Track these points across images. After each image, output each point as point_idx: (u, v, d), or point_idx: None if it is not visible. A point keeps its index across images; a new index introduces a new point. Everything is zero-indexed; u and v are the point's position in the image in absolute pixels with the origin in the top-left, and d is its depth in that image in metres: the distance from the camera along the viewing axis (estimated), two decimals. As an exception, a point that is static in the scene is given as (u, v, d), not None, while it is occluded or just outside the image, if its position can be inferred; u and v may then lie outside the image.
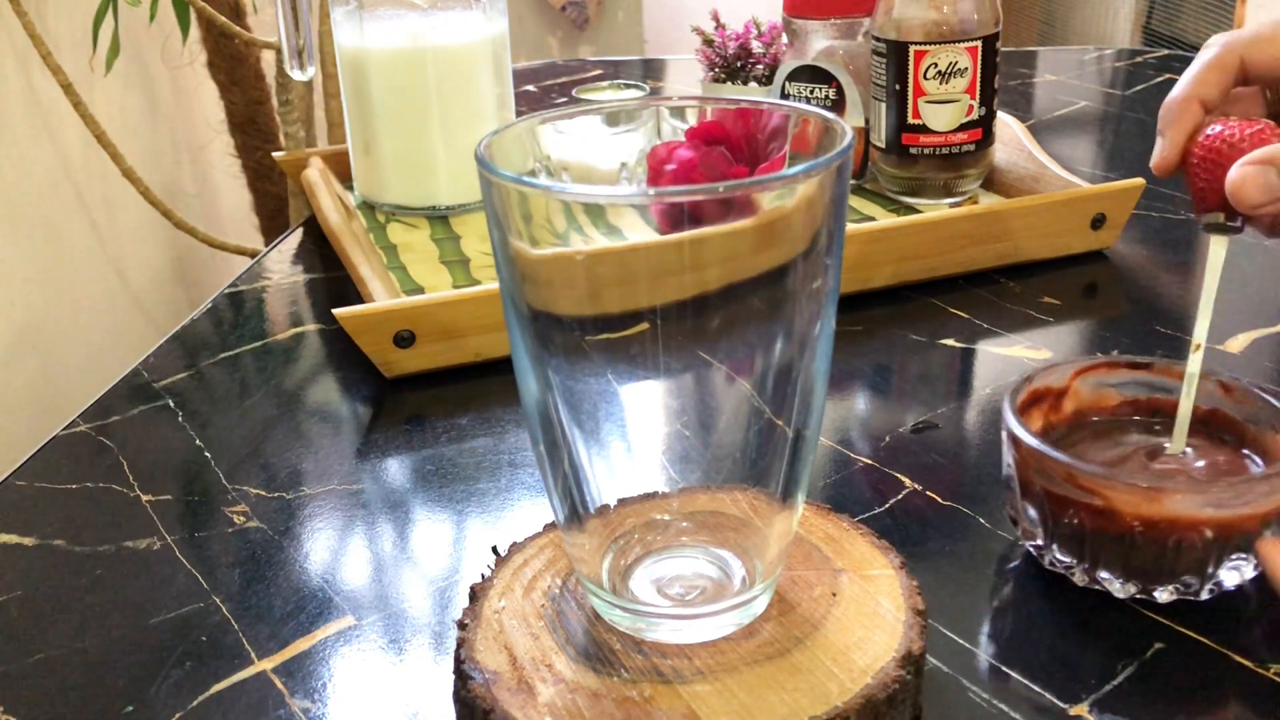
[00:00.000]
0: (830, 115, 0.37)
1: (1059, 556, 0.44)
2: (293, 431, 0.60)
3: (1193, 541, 0.41)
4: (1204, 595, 0.43)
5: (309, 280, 0.80)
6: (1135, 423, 0.48)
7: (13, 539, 0.51)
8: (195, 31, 1.64)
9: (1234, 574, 0.42)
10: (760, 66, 1.06)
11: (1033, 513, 0.44)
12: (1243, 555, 0.42)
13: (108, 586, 0.48)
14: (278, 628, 0.45)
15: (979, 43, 0.75)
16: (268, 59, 1.73)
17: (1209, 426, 0.47)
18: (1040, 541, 0.44)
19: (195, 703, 0.41)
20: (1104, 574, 0.43)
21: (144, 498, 0.54)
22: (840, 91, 0.81)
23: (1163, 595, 0.43)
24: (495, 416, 0.60)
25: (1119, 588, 0.43)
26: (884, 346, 0.66)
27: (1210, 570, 0.42)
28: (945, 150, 0.78)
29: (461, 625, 0.39)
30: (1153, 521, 0.41)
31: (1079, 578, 0.44)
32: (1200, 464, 0.45)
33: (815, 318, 0.35)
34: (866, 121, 0.81)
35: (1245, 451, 0.46)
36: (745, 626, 0.39)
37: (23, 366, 1.38)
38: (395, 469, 0.56)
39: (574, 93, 1.23)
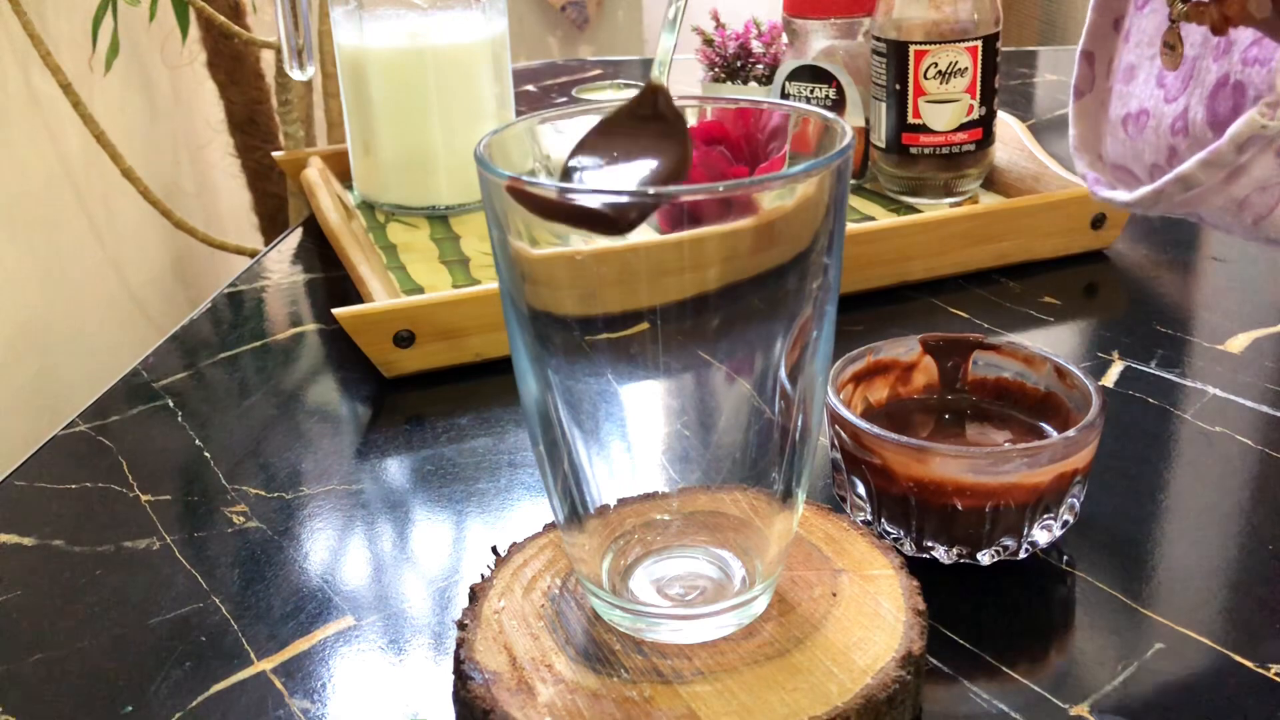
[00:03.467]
0: (830, 115, 0.37)
1: (887, 528, 0.46)
2: (292, 431, 0.60)
3: (1007, 506, 0.43)
4: (1021, 555, 0.45)
5: (308, 280, 0.80)
6: (974, 402, 0.51)
7: (12, 539, 0.51)
8: (195, 31, 1.64)
9: (1044, 533, 0.45)
10: (760, 66, 1.06)
11: (860, 487, 0.46)
12: (1050, 516, 0.44)
13: (107, 586, 0.48)
14: (277, 628, 0.45)
15: (979, 42, 0.75)
16: (267, 59, 1.73)
17: (1042, 410, 0.49)
18: (869, 516, 0.47)
19: (195, 703, 0.41)
20: (929, 542, 0.45)
21: (143, 498, 0.54)
22: (840, 91, 0.81)
23: (984, 558, 0.45)
24: (495, 416, 0.60)
25: (944, 554, 0.45)
26: (884, 346, 0.66)
27: (1026, 531, 0.44)
28: (945, 150, 0.78)
29: (461, 625, 0.39)
30: (923, 483, 0.43)
31: (908, 547, 0.46)
32: (1007, 439, 0.49)
33: (815, 318, 0.35)
34: (866, 121, 0.81)
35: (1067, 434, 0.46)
36: (745, 627, 0.39)
37: (22, 366, 1.37)
38: (395, 469, 0.56)
39: (574, 93, 1.23)
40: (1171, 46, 0.41)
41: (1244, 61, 0.41)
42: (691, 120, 0.41)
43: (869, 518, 0.47)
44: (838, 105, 0.82)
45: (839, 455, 0.47)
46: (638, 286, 0.34)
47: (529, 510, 0.52)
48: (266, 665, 0.43)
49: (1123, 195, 0.44)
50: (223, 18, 1.54)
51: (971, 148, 0.78)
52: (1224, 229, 0.43)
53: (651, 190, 0.36)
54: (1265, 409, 0.57)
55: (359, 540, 0.51)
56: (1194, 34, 0.43)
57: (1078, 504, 0.46)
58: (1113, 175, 0.48)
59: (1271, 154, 0.38)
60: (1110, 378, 0.60)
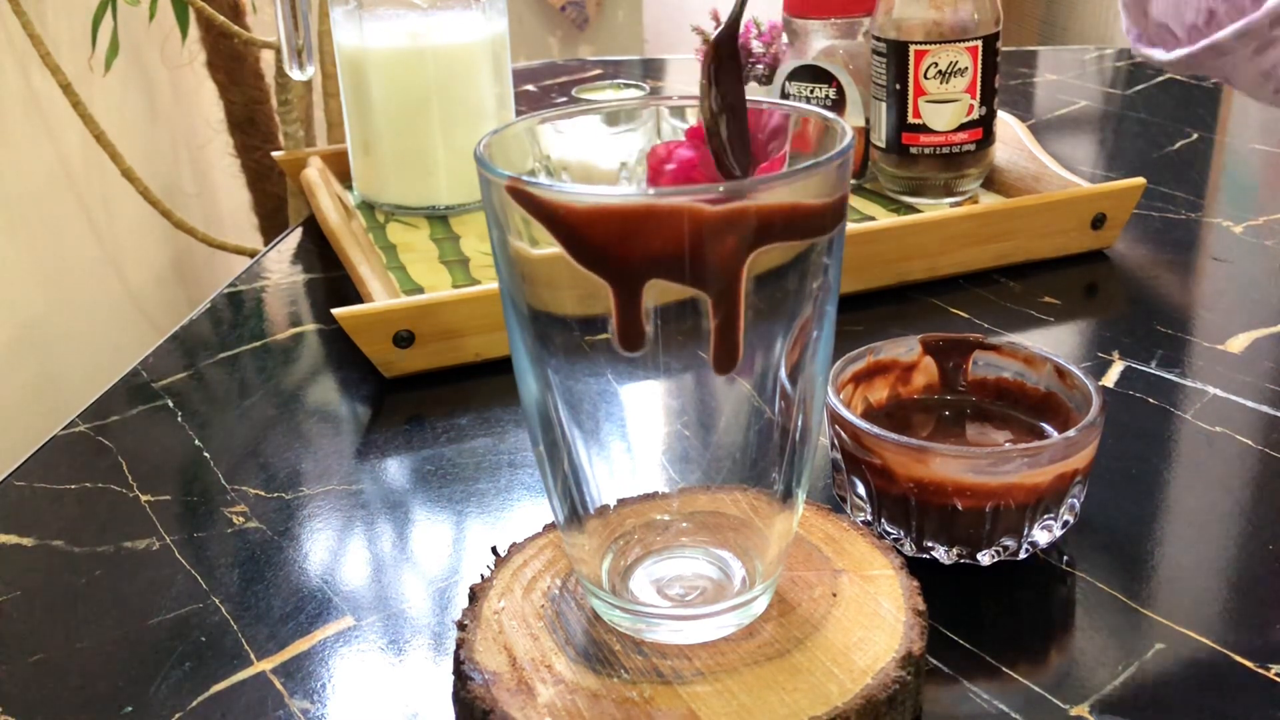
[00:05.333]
0: (830, 115, 0.37)
1: (887, 528, 0.46)
2: (292, 432, 0.60)
3: (1008, 506, 0.43)
4: (1021, 555, 0.45)
5: (308, 280, 0.80)
6: (975, 402, 0.51)
7: (11, 539, 0.51)
8: (194, 31, 1.64)
9: (1045, 533, 0.45)
10: (760, 66, 1.06)
11: (860, 488, 0.46)
12: (1050, 516, 0.44)
13: (106, 587, 0.48)
14: (277, 628, 0.45)
15: (979, 42, 0.75)
16: (267, 58, 1.73)
17: (1042, 410, 0.49)
18: (869, 516, 0.46)
19: (194, 703, 0.41)
20: (929, 542, 0.45)
21: (143, 498, 0.54)
22: (840, 91, 0.81)
23: (985, 559, 0.45)
24: (495, 416, 0.60)
25: (944, 554, 0.45)
26: (884, 346, 0.65)
27: (1026, 531, 0.44)
28: (945, 150, 0.78)
29: (461, 626, 0.39)
30: (923, 483, 0.43)
31: (908, 548, 0.46)
32: (1007, 439, 0.49)
33: (815, 318, 0.35)
34: (867, 121, 0.81)
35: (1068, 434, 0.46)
36: (745, 627, 0.39)
37: (21, 366, 1.37)
38: (395, 469, 0.56)
39: (574, 92, 1.23)
40: None
41: None
42: (692, 120, 0.41)
43: (869, 518, 0.47)
44: (838, 105, 0.82)
45: (839, 455, 0.47)
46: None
47: (529, 510, 0.52)
48: (266, 665, 0.43)
49: (1161, 54, 0.45)
50: (222, 17, 1.54)
51: (972, 148, 0.78)
52: (1249, 94, 0.44)
53: (651, 190, 0.36)
54: (1265, 409, 0.57)
55: (359, 540, 0.51)
56: None
57: (1078, 504, 0.46)
58: (1154, 33, 0.49)
59: None
60: (1110, 378, 0.60)
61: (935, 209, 0.77)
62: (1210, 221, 0.83)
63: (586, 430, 0.36)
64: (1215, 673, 0.40)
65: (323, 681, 0.42)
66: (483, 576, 0.42)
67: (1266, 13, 0.39)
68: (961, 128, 0.77)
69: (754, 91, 1.06)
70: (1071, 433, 0.44)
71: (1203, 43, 0.42)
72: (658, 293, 0.33)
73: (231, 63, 1.69)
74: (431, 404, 0.62)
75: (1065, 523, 0.45)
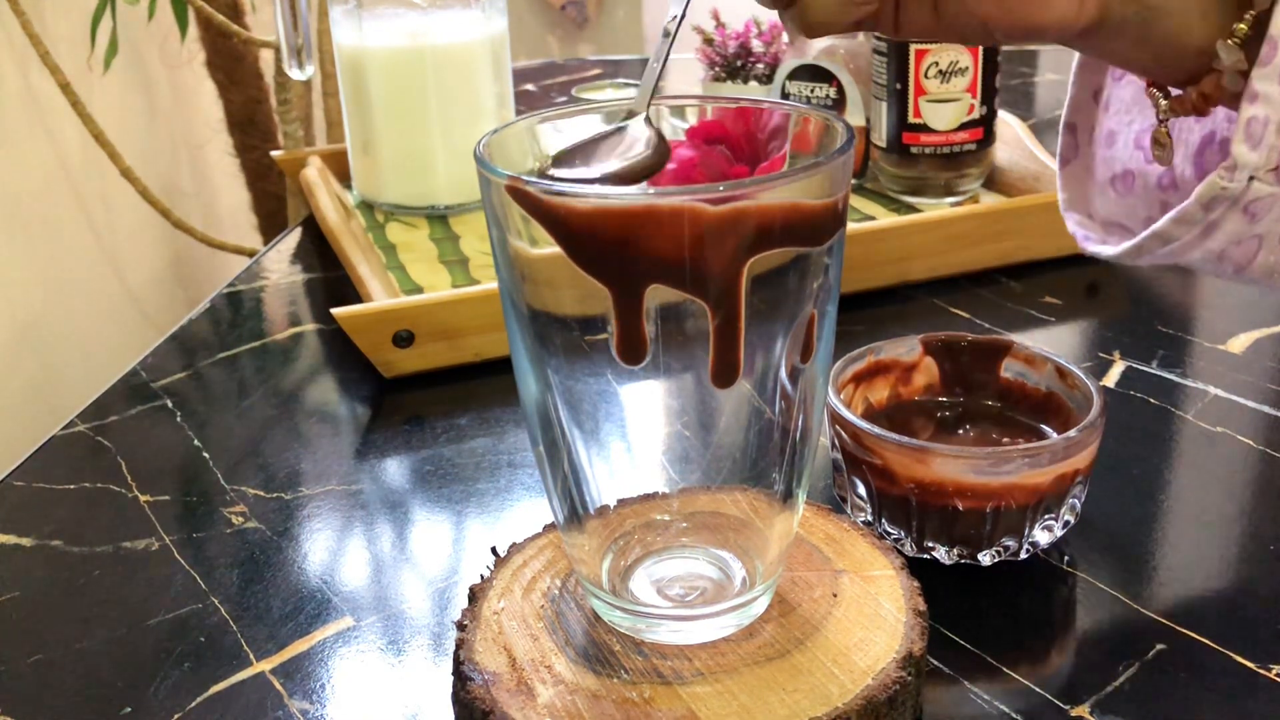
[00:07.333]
0: (831, 114, 0.37)
1: (888, 529, 0.46)
2: (291, 432, 0.60)
3: (1008, 506, 0.43)
4: (1022, 555, 0.45)
5: (307, 280, 0.80)
6: (981, 405, 0.51)
7: (11, 539, 0.51)
8: (194, 30, 1.64)
9: (1045, 533, 0.45)
10: (760, 65, 1.06)
11: (861, 488, 0.46)
12: (1051, 516, 0.44)
13: (106, 587, 0.48)
14: (276, 628, 0.45)
15: (979, 42, 0.75)
16: (266, 58, 1.73)
17: (1043, 410, 0.49)
18: (869, 516, 0.46)
19: (194, 704, 0.41)
20: (930, 543, 0.45)
21: (142, 498, 0.54)
22: (841, 90, 0.81)
23: (985, 559, 0.45)
24: (495, 416, 0.60)
25: (945, 555, 0.45)
26: (884, 346, 0.65)
27: (1027, 532, 0.44)
28: (946, 149, 0.77)
29: (461, 626, 0.39)
30: (924, 483, 0.43)
31: (909, 548, 0.45)
32: (1007, 439, 0.48)
33: (815, 318, 0.35)
34: (867, 120, 0.81)
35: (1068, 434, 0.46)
36: (745, 627, 0.38)
37: (21, 366, 1.37)
38: (394, 469, 0.56)
39: (574, 92, 1.23)
40: (1161, 144, 0.43)
41: (1228, 119, 0.42)
42: (692, 120, 0.41)
43: (869, 518, 0.46)
44: (838, 104, 0.82)
45: (839, 456, 0.47)
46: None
47: (529, 510, 0.52)
48: (265, 666, 0.43)
49: (1109, 249, 0.46)
50: (221, 17, 1.53)
51: (972, 147, 0.78)
52: (1212, 275, 0.44)
53: (652, 190, 0.36)
54: (1266, 409, 0.57)
55: (358, 541, 0.51)
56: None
57: (1079, 504, 0.46)
58: (1104, 230, 0.50)
59: (1239, 211, 0.40)
60: (1111, 378, 0.60)
61: (936, 209, 0.77)
62: (1210, 221, 0.83)
63: (586, 430, 0.36)
64: (1215, 673, 0.40)
65: (322, 682, 0.42)
66: (482, 577, 0.42)
67: (1196, 198, 0.40)
68: (962, 127, 0.77)
69: (754, 91, 1.05)
70: (1072, 433, 0.44)
71: (1145, 233, 0.42)
72: (657, 292, 0.33)
73: (231, 62, 1.69)
74: (431, 404, 0.61)
75: (1066, 523, 0.45)
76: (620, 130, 0.39)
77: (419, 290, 0.72)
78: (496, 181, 0.33)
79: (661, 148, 0.38)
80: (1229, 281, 0.44)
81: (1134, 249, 0.44)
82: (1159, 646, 0.41)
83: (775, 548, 0.38)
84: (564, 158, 0.37)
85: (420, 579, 0.48)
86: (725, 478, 0.38)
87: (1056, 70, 1.30)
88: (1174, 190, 0.45)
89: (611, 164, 0.37)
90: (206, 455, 0.57)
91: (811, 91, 0.82)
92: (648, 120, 0.39)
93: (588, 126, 0.39)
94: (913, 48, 0.75)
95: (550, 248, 0.32)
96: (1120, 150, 0.48)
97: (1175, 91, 0.41)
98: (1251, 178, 0.38)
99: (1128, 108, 0.48)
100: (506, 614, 0.39)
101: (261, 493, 0.54)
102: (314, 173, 0.88)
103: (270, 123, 1.73)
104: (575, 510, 0.38)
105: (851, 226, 0.70)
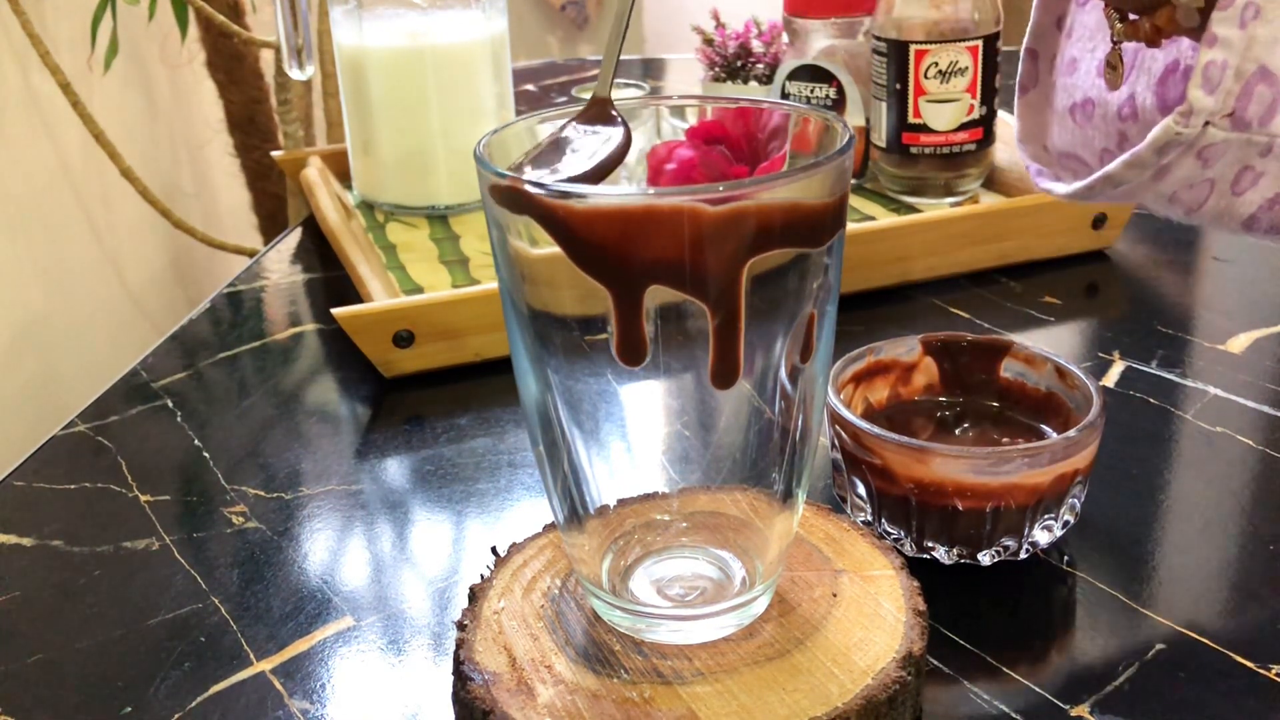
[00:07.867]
0: (831, 114, 0.37)
1: (888, 529, 0.46)
2: (291, 432, 0.60)
3: (1008, 506, 0.43)
4: (1021, 555, 0.45)
5: (308, 280, 0.80)
6: (979, 404, 0.51)
7: (11, 539, 0.51)
8: (194, 30, 1.64)
9: (1045, 533, 0.45)
10: (760, 66, 1.06)
11: (860, 488, 0.46)
12: (1051, 516, 0.44)
13: (106, 587, 0.48)
14: (276, 628, 0.45)
15: (979, 42, 0.75)
16: (266, 58, 1.73)
17: (1043, 410, 0.49)
18: (869, 516, 0.46)
19: (194, 704, 0.41)
20: (930, 543, 0.45)
21: (142, 498, 0.54)
22: (840, 91, 0.81)
23: (985, 559, 0.45)
24: (495, 416, 0.60)
25: (944, 555, 0.45)
26: (884, 346, 0.65)
27: (1026, 532, 0.44)
28: (946, 150, 0.78)
29: (461, 626, 0.39)
30: (924, 483, 0.43)
31: (908, 548, 0.46)
32: (1007, 439, 0.48)
33: (815, 318, 0.35)
34: (867, 121, 0.81)
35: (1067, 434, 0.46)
36: (745, 627, 0.38)
37: (21, 366, 1.37)
38: (394, 469, 0.56)
39: (574, 92, 1.23)
40: (1113, 67, 0.43)
41: (1193, 48, 0.42)
42: (691, 120, 0.41)
43: (869, 518, 0.46)
44: (838, 105, 0.82)
45: (839, 456, 0.47)
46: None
47: (529, 510, 0.52)
48: (266, 666, 0.43)
49: (1060, 187, 0.46)
50: (222, 17, 1.53)
51: (972, 147, 0.78)
52: (1164, 215, 0.45)
53: (652, 190, 0.36)
54: (1266, 409, 0.57)
55: (358, 541, 0.51)
56: None
57: (1078, 504, 0.46)
58: (1059, 164, 0.49)
59: (1192, 156, 0.39)
60: (1111, 378, 0.60)
61: (935, 209, 0.77)
62: (1210, 221, 0.83)
63: (586, 430, 0.36)
64: (1215, 673, 0.40)
65: (322, 682, 0.42)
66: (482, 577, 0.42)
67: (1149, 143, 0.40)
68: (962, 127, 0.77)
69: (754, 91, 1.05)
70: (1072, 433, 0.44)
71: (1096, 174, 0.42)
72: (658, 295, 0.33)
73: (231, 62, 1.69)
74: (431, 404, 0.62)
75: (1066, 523, 0.45)
76: (580, 126, 0.39)
77: (419, 290, 0.72)
78: (497, 182, 0.33)
79: (625, 134, 0.38)
80: (1180, 222, 0.44)
81: (1085, 189, 0.43)
82: (1159, 646, 0.42)
83: (775, 547, 0.38)
84: (532, 161, 0.37)
85: (420, 579, 0.48)
86: (725, 478, 0.38)
87: (1056, 70, 1.30)
88: (1134, 120, 0.45)
89: (580, 163, 0.37)
90: (207, 455, 0.57)
91: (811, 92, 0.82)
92: (610, 103, 0.39)
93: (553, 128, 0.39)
94: (912, 48, 0.75)
95: (550, 248, 0.33)
96: (1081, 78, 0.48)
97: (1133, 16, 0.41)
98: (1206, 123, 0.38)
99: (1091, 34, 0.47)
100: (506, 614, 0.40)
101: (262, 492, 0.54)
102: (314, 173, 0.88)
103: (270, 123, 1.73)
104: (575, 510, 0.38)
105: (851, 226, 0.70)
